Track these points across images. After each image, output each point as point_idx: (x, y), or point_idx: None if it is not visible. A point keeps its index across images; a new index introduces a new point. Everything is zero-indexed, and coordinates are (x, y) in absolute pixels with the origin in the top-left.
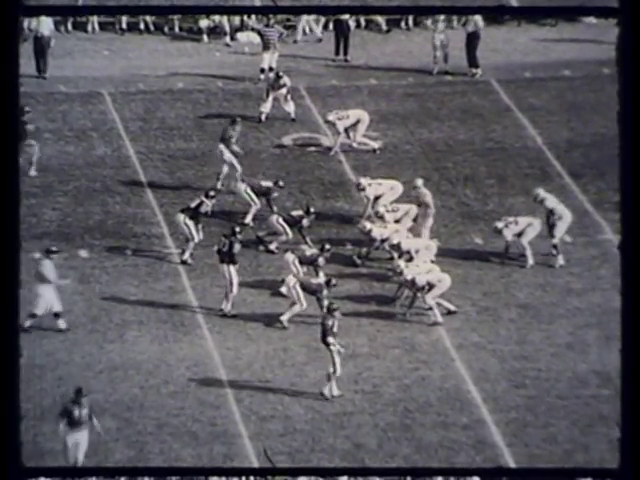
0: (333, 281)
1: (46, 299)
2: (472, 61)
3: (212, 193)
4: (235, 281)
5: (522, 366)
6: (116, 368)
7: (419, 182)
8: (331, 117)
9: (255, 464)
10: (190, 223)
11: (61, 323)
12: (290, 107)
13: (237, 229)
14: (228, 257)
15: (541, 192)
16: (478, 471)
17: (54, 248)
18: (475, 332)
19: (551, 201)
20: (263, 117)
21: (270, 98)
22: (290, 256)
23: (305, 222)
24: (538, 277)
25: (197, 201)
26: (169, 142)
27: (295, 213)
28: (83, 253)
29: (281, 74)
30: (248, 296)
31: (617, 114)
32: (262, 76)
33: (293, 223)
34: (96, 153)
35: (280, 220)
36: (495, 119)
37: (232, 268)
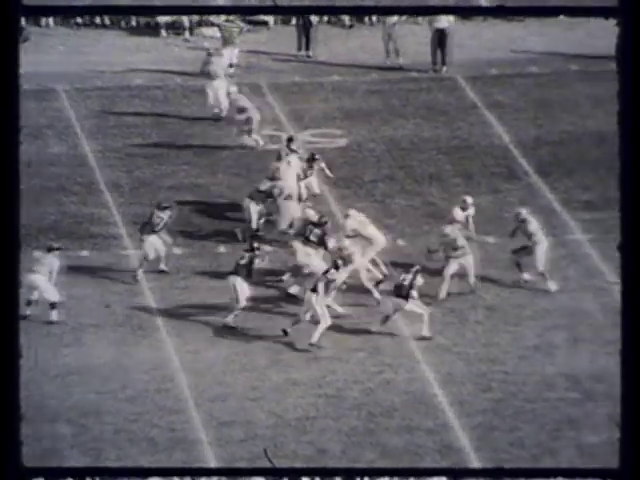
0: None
1: (44, 289)
2: (441, 58)
3: (165, 204)
4: (244, 295)
5: (489, 369)
6: (72, 372)
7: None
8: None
9: None
10: (153, 239)
11: (54, 315)
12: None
13: (255, 245)
14: (246, 271)
15: (523, 212)
16: (477, 471)
17: (56, 245)
18: (441, 334)
19: (534, 225)
20: (222, 115)
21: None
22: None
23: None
24: (505, 278)
25: (152, 216)
26: (126, 140)
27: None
28: (37, 254)
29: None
30: (211, 298)
31: (617, 114)
32: None
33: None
34: (51, 151)
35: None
36: (461, 116)
37: (244, 283)
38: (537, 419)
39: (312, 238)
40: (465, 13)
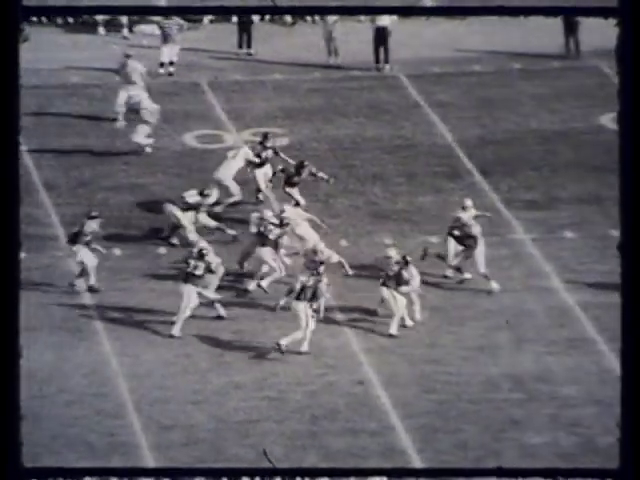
0: None
1: None
2: (383, 56)
3: (94, 213)
4: (193, 305)
5: (432, 370)
6: None
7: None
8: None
9: None
10: (84, 252)
11: None
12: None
13: (204, 251)
14: (207, 282)
15: (465, 215)
16: (477, 471)
17: None
18: (384, 335)
19: (476, 228)
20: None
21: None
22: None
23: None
24: (448, 278)
25: (83, 226)
26: (63, 139)
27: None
28: None
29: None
30: (151, 300)
31: (617, 114)
32: (162, 70)
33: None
34: None
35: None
36: (404, 115)
37: (195, 292)
38: (481, 420)
39: (271, 237)
40: (464, 13)
